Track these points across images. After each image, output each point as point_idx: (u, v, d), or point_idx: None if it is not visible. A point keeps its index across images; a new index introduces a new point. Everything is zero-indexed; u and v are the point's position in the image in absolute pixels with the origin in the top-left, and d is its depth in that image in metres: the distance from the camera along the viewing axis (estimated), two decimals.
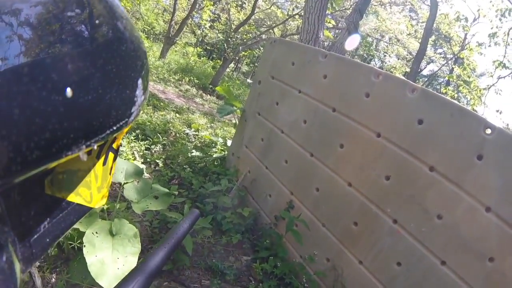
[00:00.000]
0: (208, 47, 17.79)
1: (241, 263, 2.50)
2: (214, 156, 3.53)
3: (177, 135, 4.43)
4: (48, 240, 0.33)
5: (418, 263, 1.87)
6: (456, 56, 13.46)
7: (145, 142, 3.53)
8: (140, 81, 0.29)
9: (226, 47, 10.83)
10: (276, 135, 2.57)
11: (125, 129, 0.32)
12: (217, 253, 2.56)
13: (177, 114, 5.70)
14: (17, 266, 0.27)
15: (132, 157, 3.12)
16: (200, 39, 16.71)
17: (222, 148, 3.75)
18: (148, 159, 3.29)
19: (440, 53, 19.36)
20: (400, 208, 1.95)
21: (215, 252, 2.56)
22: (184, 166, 3.22)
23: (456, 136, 1.78)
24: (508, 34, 8.84)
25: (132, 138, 3.44)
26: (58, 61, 0.22)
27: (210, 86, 11.06)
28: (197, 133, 4.70)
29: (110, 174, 0.41)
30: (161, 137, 3.80)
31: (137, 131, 3.71)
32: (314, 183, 2.31)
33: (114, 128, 0.28)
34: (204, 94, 10.30)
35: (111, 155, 0.39)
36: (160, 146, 3.64)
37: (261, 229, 2.67)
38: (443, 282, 1.76)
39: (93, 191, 0.38)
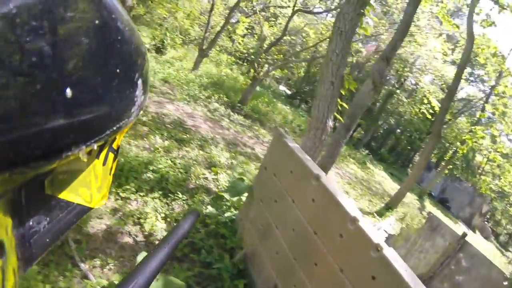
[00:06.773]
0: (240, 56, 18.17)
1: None
2: (226, 215, 3.98)
3: (197, 182, 4.92)
4: (48, 240, 0.33)
5: None
6: (491, 90, 13.14)
7: (168, 200, 4.05)
8: (140, 81, 0.30)
9: (256, 67, 11.05)
10: (272, 230, 2.97)
11: (125, 129, 0.32)
12: None
13: (200, 151, 6.12)
14: (17, 266, 0.27)
15: (155, 219, 3.64)
16: (232, 52, 17.08)
17: (235, 205, 4.14)
18: (168, 219, 3.81)
19: (477, 76, 18.74)
20: None
21: None
22: (198, 227, 3.70)
23: None
24: None
25: (157, 195, 3.97)
26: (59, 61, 0.22)
27: (239, 104, 11.44)
28: (216, 176, 5.19)
29: (110, 174, 0.41)
30: (180, 194, 4.25)
31: (161, 186, 4.24)
32: None
33: (114, 128, 0.28)
34: (232, 114, 10.54)
35: (111, 155, 0.39)
36: (181, 202, 4.15)
37: None
38: None
39: (93, 191, 0.38)
